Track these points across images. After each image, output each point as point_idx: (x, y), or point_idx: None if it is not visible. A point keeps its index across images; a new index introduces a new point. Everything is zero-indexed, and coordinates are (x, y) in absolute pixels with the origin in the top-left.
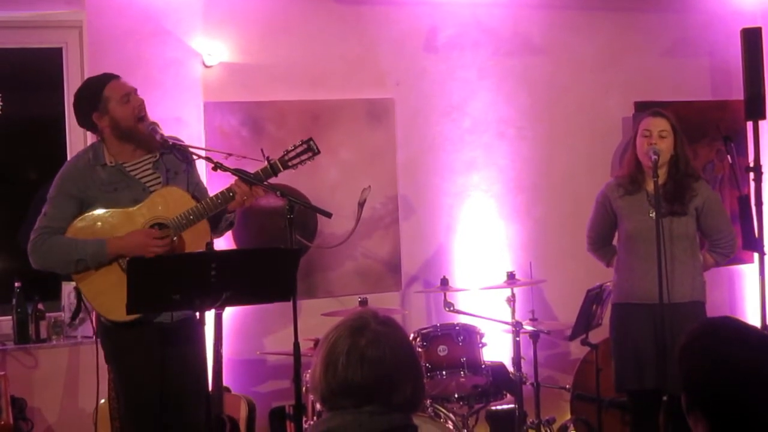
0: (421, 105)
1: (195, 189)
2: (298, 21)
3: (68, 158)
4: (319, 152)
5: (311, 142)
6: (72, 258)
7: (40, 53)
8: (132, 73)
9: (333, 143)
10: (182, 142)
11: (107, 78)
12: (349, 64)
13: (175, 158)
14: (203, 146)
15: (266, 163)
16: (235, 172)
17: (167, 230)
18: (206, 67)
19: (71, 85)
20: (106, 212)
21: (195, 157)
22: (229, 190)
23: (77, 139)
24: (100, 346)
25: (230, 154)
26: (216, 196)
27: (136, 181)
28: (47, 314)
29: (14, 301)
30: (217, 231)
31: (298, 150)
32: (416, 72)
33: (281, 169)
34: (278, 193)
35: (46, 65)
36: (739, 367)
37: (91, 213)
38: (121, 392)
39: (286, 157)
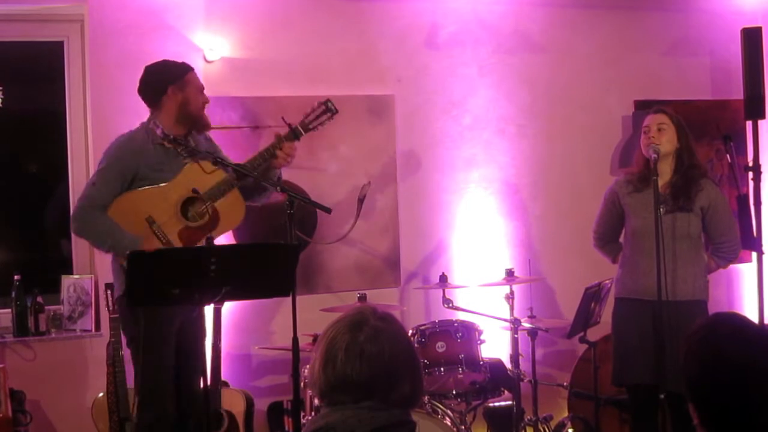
0: (421, 101)
1: None
2: (299, 17)
3: (69, 152)
4: (337, 111)
5: (329, 103)
6: (106, 243)
7: (42, 46)
8: (133, 67)
9: (333, 139)
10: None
11: (190, 67)
12: (349, 60)
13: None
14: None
15: (288, 128)
16: (235, 166)
17: (201, 204)
18: (207, 62)
19: (72, 78)
20: (143, 191)
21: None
22: (270, 148)
23: (78, 132)
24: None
25: (245, 127)
26: (255, 157)
27: (179, 163)
28: (46, 307)
29: (13, 293)
30: (260, 198)
31: (317, 112)
32: (417, 68)
33: (302, 132)
34: (278, 188)
35: (47, 59)
36: (732, 363)
37: (131, 192)
38: (141, 371)
39: (306, 120)
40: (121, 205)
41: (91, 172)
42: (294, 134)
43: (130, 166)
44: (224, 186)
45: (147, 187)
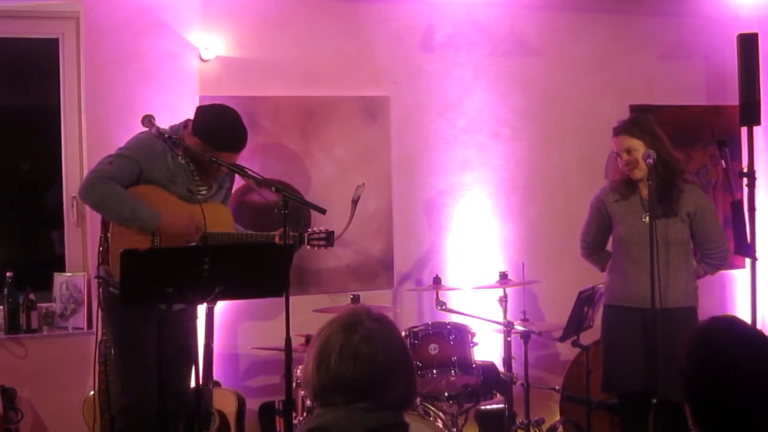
0: (416, 103)
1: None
2: (295, 17)
3: (63, 149)
4: (333, 245)
5: (332, 236)
6: (124, 213)
7: (37, 43)
8: (128, 65)
9: (328, 140)
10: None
11: (232, 147)
12: (345, 60)
13: (225, 175)
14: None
15: (287, 231)
16: (232, 167)
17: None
18: (203, 61)
19: (67, 75)
20: (170, 195)
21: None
22: (267, 236)
23: (72, 130)
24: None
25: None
26: (261, 234)
27: (191, 181)
28: (39, 305)
29: (5, 290)
30: None
31: (321, 235)
32: (412, 70)
33: (302, 243)
34: (273, 188)
35: (42, 56)
36: (726, 363)
37: (159, 188)
38: (120, 360)
39: (311, 236)
40: (142, 192)
41: (85, 170)
42: (298, 239)
43: (142, 164)
44: (230, 238)
45: (173, 197)
